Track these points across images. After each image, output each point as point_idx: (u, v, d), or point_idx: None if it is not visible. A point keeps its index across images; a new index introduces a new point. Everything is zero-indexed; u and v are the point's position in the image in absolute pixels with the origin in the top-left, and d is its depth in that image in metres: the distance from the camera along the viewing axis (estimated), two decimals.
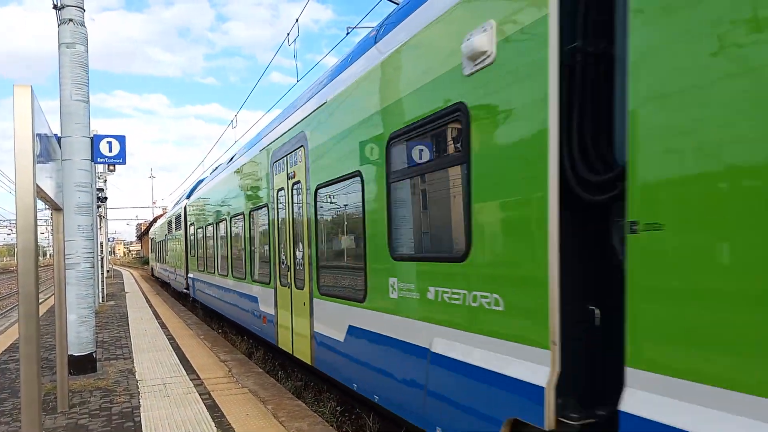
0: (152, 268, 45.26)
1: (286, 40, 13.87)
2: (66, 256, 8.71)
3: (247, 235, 11.06)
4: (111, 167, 21.57)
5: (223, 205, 13.88)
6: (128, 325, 14.39)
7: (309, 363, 7.57)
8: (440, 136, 4.52)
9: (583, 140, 3.27)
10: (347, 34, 10.25)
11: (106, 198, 24.57)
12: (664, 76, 2.65)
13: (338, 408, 7.26)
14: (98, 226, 21.07)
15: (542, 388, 3.33)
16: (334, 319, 6.67)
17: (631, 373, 2.82)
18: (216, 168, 17.41)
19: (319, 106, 7.00)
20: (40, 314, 13.06)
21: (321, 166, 6.97)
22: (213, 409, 6.51)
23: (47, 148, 5.41)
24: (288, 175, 8.42)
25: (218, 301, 14.66)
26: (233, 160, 13.52)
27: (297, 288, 8.03)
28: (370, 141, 5.54)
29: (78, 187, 8.63)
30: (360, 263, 5.84)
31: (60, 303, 6.76)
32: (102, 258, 23.39)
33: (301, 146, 7.69)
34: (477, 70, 3.89)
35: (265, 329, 9.78)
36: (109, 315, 16.93)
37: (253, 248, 10.73)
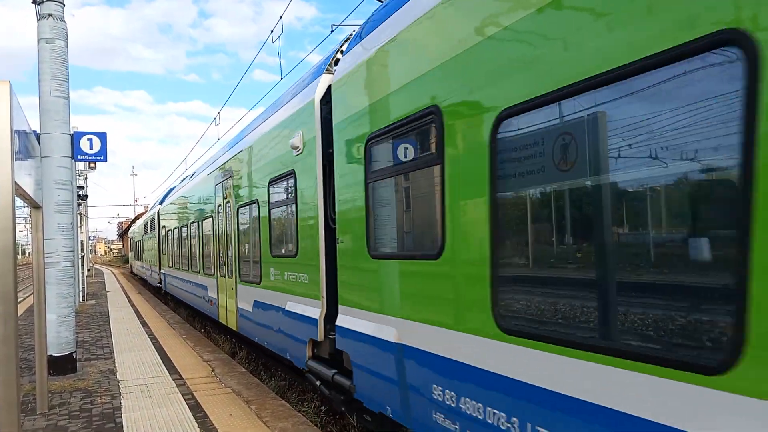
0: (131, 266, 47.62)
1: (270, 37, 13.79)
2: (45, 255, 8.58)
3: (200, 239, 14.35)
4: (92, 165, 21.31)
5: (184, 213, 17.08)
6: (109, 324, 14.21)
7: (235, 329, 10.73)
8: (287, 185, 7.81)
9: (327, 196, 6.55)
10: (331, 31, 10.22)
11: (86, 196, 24.25)
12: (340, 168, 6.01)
13: (322, 408, 7.22)
14: (78, 225, 20.78)
15: (317, 320, 6.57)
16: (247, 297, 9.79)
17: (340, 308, 5.98)
18: (184, 179, 20.08)
19: (238, 153, 10.48)
20: (19, 314, 12.84)
21: (239, 193, 10.37)
22: (196, 409, 6.45)
23: (26, 145, 5.30)
24: (222, 196, 11.68)
25: (182, 291, 17.73)
26: (194, 176, 16.41)
27: (228, 278, 11.16)
28: (258, 183, 9.14)
29: (58, 184, 8.49)
30: (258, 260, 9.11)
31: (39, 302, 6.65)
32: (82, 257, 23.07)
33: (230, 177, 11.04)
34: (297, 154, 7.24)
35: (211, 309, 12.95)
36: (89, 314, 16.72)
37: (203, 249, 13.95)
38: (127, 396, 7.09)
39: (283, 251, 7.97)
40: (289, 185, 7.64)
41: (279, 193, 8.19)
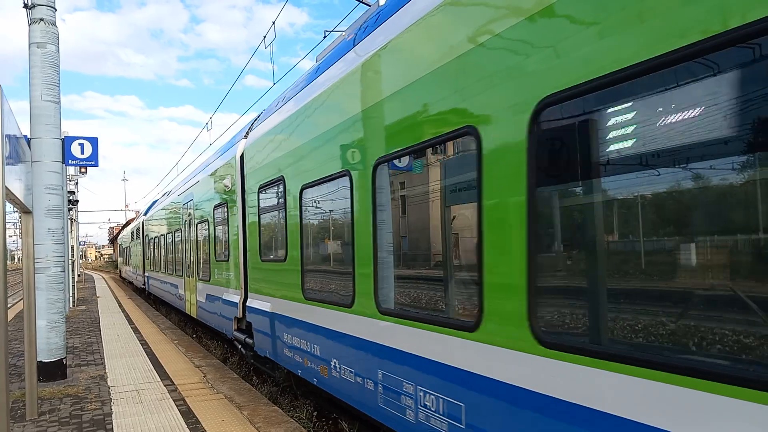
0: (120, 270, 50.99)
1: (263, 42, 13.79)
2: (36, 260, 8.52)
3: (173, 247, 17.32)
4: (82, 170, 21.21)
5: (161, 226, 20.22)
6: (100, 330, 14.11)
7: (195, 317, 13.92)
8: (223, 211, 10.66)
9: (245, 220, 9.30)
10: (324, 37, 10.19)
11: (77, 201, 24.10)
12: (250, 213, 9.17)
13: (314, 413, 7.19)
14: (69, 230, 20.64)
15: (238, 303, 9.48)
16: (202, 292, 12.73)
17: (249, 294, 9.01)
18: (163, 195, 23.19)
19: (195, 183, 13.76)
20: (9, 319, 12.70)
21: (196, 213, 13.52)
22: (188, 415, 6.40)
23: (16, 150, 5.27)
24: (186, 214, 14.82)
25: (161, 291, 20.68)
26: (169, 194, 19.86)
27: (190, 277, 14.29)
28: (207, 207, 12.14)
29: (48, 189, 8.43)
30: (208, 262, 12.00)
31: (29, 308, 6.60)
32: (73, 262, 22.90)
33: (191, 200, 14.25)
34: (227, 190, 10.11)
35: (181, 304, 15.89)
36: (80, 320, 16.59)
37: (175, 255, 16.87)
38: (118, 402, 7.04)
39: (222, 257, 10.78)
40: (224, 211, 10.61)
41: (219, 216, 11.09)
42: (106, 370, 9.03)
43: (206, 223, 12.20)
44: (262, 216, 8.37)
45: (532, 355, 3.10)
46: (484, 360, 3.52)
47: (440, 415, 3.99)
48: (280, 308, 7.47)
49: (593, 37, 2.74)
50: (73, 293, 21.50)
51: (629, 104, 2.68)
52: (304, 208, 6.62)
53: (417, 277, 4.82)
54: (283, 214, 7.30)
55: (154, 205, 23.97)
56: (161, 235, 19.96)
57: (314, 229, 6.73)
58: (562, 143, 3.13)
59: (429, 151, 4.31)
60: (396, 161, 4.67)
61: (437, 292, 4.52)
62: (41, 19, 8.57)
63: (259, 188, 8.38)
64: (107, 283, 40.04)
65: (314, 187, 6.31)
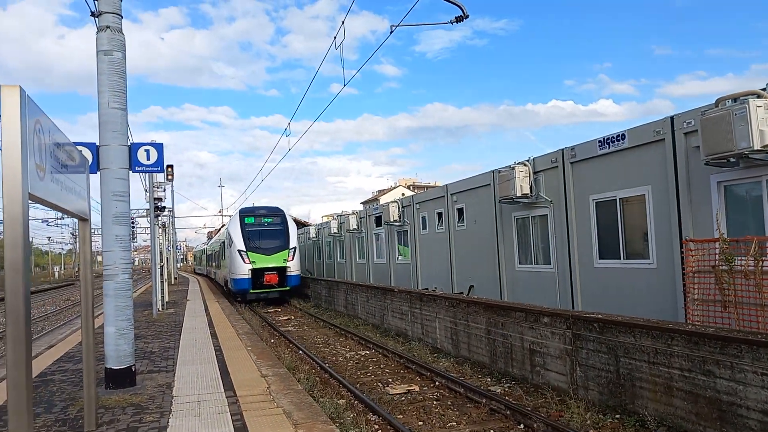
0: (194, 268, 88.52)
1: (333, 43, 13.51)
2: (104, 267, 8.56)
3: (213, 258, 47.54)
4: (169, 176, 21.85)
5: (211, 248, 52.71)
6: (180, 334, 14.29)
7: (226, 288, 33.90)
8: (223, 247, 35.70)
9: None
10: (390, 32, 9.75)
11: (164, 207, 24.94)
12: None
13: None
14: (156, 235, 21.30)
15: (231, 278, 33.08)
16: (219, 275, 38.71)
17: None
18: (212, 238, 58.87)
19: (218, 237, 45.58)
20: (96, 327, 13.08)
21: (215, 247, 45.73)
22: None
23: (59, 156, 5.09)
24: (217, 247, 42.38)
25: (205, 273, 60.07)
26: (213, 238, 56.70)
27: (218, 269, 40.54)
28: (218, 245, 41.27)
29: (115, 196, 8.44)
30: (219, 264, 38.58)
31: (87, 317, 6.48)
32: (162, 266, 23.68)
33: (225, 241, 32.21)
34: (223, 240, 35.48)
35: (216, 279, 43.76)
36: (165, 324, 16.97)
37: (215, 262, 44.81)
38: (176, 414, 6.82)
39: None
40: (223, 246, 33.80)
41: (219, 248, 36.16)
42: (175, 378, 8.94)
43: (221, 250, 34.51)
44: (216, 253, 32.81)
45: None
46: None
47: None
48: None
49: None
50: (162, 297, 22.21)
51: None
52: None
53: None
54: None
55: (209, 241, 60.29)
56: (210, 253, 51.78)
57: None
58: None
59: None
60: None
61: None
62: (108, 27, 8.59)
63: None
64: (200, 285, 41.56)
65: None
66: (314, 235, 36.90)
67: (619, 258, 11.17)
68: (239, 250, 27.56)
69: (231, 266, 28.83)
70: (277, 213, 29.49)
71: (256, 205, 32.42)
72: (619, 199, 11.20)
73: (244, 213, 29.34)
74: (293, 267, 27.95)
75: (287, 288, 28.17)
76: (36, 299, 41.33)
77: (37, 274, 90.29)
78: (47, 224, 69.30)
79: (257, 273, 27.36)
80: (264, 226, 28.51)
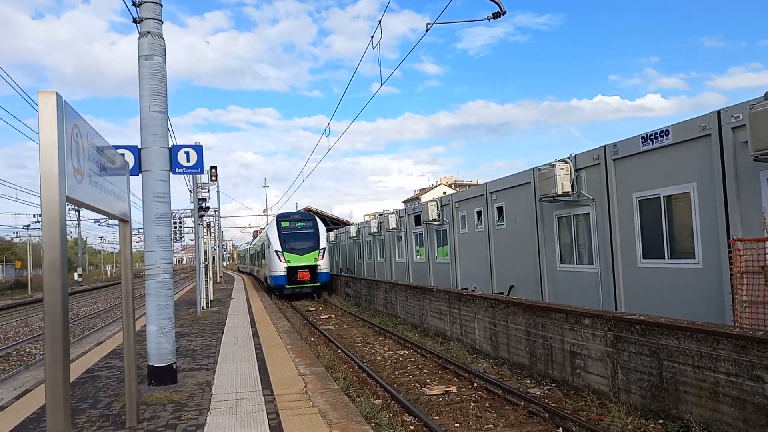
0: (238, 267, 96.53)
1: (371, 43, 13.52)
2: (146, 267, 8.78)
3: (255, 258, 53.27)
4: (213, 177, 22.29)
5: (253, 248, 59.14)
6: (222, 332, 14.56)
7: (265, 283, 38.01)
8: (263, 246, 40.79)
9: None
10: (426, 30, 9.70)
11: (208, 207, 25.47)
12: None
13: None
14: (200, 234, 21.74)
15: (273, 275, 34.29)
16: (260, 272, 43.30)
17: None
18: (254, 240, 68.22)
19: (256, 240, 58.24)
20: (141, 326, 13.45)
21: (256, 246, 52.61)
22: (276, 431, 6.11)
23: (98, 160, 5.23)
24: (257, 246, 49.32)
25: (246, 270, 70.03)
26: (253, 242, 67.05)
27: (259, 267, 45.69)
28: (258, 246, 47.28)
29: (156, 197, 8.64)
30: (261, 264, 41.84)
31: (127, 315, 6.66)
32: (206, 265, 24.17)
33: (264, 243, 37.03)
34: (263, 243, 41.22)
35: (263, 278, 40.43)
36: (208, 322, 17.31)
37: (257, 261, 48.85)
38: (214, 412, 6.94)
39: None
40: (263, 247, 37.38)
41: (260, 249, 41.52)
42: (215, 376, 9.10)
43: (261, 249, 39.73)
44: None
45: None
46: None
47: None
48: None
49: None
50: (206, 295, 22.67)
51: None
52: None
53: None
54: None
55: (251, 242, 69.53)
56: (253, 252, 57.72)
57: None
58: None
59: None
60: None
61: None
62: (149, 32, 8.80)
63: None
64: (244, 284, 42.27)
65: None
66: (355, 234, 37.04)
67: (664, 258, 10.84)
68: (276, 251, 31.76)
69: (269, 264, 32.98)
70: (309, 218, 33.76)
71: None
72: (664, 196, 10.86)
73: (280, 218, 33.84)
74: (323, 265, 31.77)
75: (318, 284, 31.72)
76: (89, 297, 42.83)
77: (90, 273, 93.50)
78: (99, 224, 71.90)
79: (292, 270, 31.29)
80: (298, 230, 32.52)
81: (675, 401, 7.61)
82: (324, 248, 32.12)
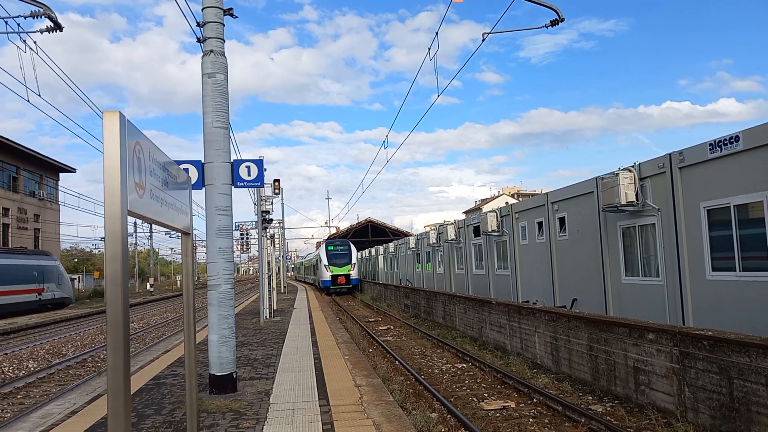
0: (294, 276, 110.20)
1: (428, 54, 13.57)
2: (208, 278, 9.07)
3: (310, 269, 73.20)
4: (276, 190, 22.82)
5: (308, 261, 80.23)
6: (284, 342, 14.84)
7: (317, 286, 57.17)
8: (317, 261, 58.93)
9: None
10: (482, 41, 9.64)
11: (272, 219, 26.07)
12: None
13: None
14: (264, 246, 22.27)
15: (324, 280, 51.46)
16: (314, 279, 63.62)
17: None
18: (308, 255, 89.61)
19: (312, 254, 76.15)
20: (198, 341, 13.87)
21: (311, 260, 73.36)
22: None
23: (160, 175, 5.46)
24: (313, 260, 67.98)
25: (302, 279, 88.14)
26: (307, 257, 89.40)
27: (314, 276, 62.73)
28: (315, 259, 64.00)
29: (219, 210, 8.94)
30: (316, 273, 60.80)
31: (189, 325, 6.88)
32: (269, 276, 24.72)
33: (318, 259, 55.62)
34: (317, 261, 59.25)
35: (316, 283, 60.80)
36: (270, 331, 17.68)
37: (312, 271, 68.92)
38: (271, 422, 7.08)
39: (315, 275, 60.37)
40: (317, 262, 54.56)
41: (314, 263, 60.11)
42: (274, 385, 9.28)
43: (316, 263, 56.45)
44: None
45: None
46: None
47: None
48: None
49: None
50: (270, 305, 23.16)
51: None
52: None
53: None
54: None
55: (306, 257, 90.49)
56: (307, 265, 78.19)
57: None
58: None
59: None
60: None
61: None
62: (211, 51, 9.16)
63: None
64: (307, 294, 42.90)
65: None
66: (414, 246, 37.02)
67: (735, 270, 10.30)
68: (325, 264, 49.80)
69: (320, 273, 51.79)
70: (345, 244, 51.46)
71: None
72: (734, 206, 10.35)
73: (327, 242, 52.75)
74: (354, 274, 49.85)
75: (350, 285, 49.46)
76: (159, 306, 44.49)
77: (162, 283, 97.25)
78: (170, 236, 74.92)
79: (334, 277, 49.19)
80: (338, 252, 49.97)
81: (747, 422, 7.21)
82: (354, 263, 49.78)
